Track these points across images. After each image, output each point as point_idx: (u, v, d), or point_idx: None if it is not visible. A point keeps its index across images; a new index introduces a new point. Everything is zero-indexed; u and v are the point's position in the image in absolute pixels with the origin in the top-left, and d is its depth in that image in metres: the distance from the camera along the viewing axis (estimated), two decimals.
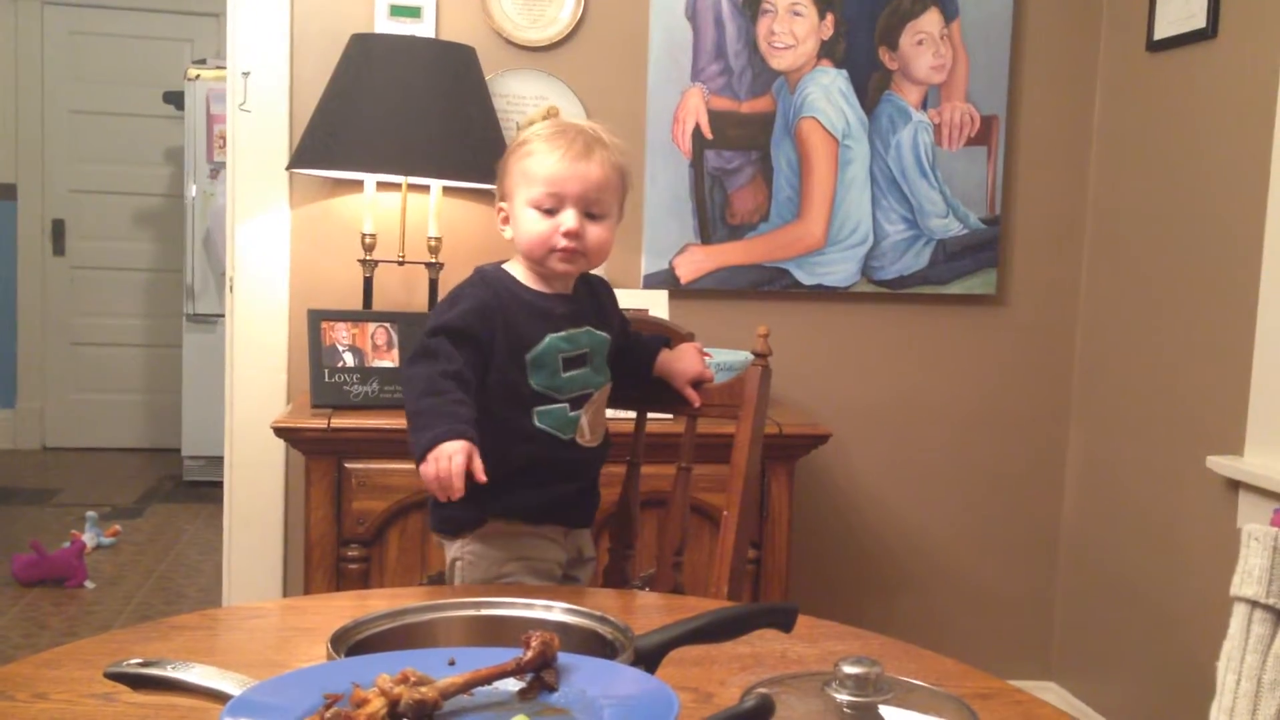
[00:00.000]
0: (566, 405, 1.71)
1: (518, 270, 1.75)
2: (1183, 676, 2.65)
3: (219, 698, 1.04)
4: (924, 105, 2.97)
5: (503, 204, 1.76)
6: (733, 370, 2.43)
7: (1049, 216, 3.08)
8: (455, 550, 1.76)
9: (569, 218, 1.67)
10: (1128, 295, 2.93)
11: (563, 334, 1.71)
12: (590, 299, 1.79)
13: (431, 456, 1.51)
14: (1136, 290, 2.89)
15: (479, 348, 1.65)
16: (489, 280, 1.73)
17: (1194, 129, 2.68)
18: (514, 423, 1.69)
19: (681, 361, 1.87)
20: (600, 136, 1.71)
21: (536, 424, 1.70)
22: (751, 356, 1.87)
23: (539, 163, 1.68)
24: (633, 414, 1.99)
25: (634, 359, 1.87)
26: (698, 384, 1.87)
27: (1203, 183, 2.64)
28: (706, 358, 1.92)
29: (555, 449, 1.72)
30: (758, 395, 1.83)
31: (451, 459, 1.49)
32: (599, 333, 1.76)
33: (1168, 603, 2.73)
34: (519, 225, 1.71)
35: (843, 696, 1.09)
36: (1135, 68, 2.91)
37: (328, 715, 0.84)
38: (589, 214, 1.69)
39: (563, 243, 1.67)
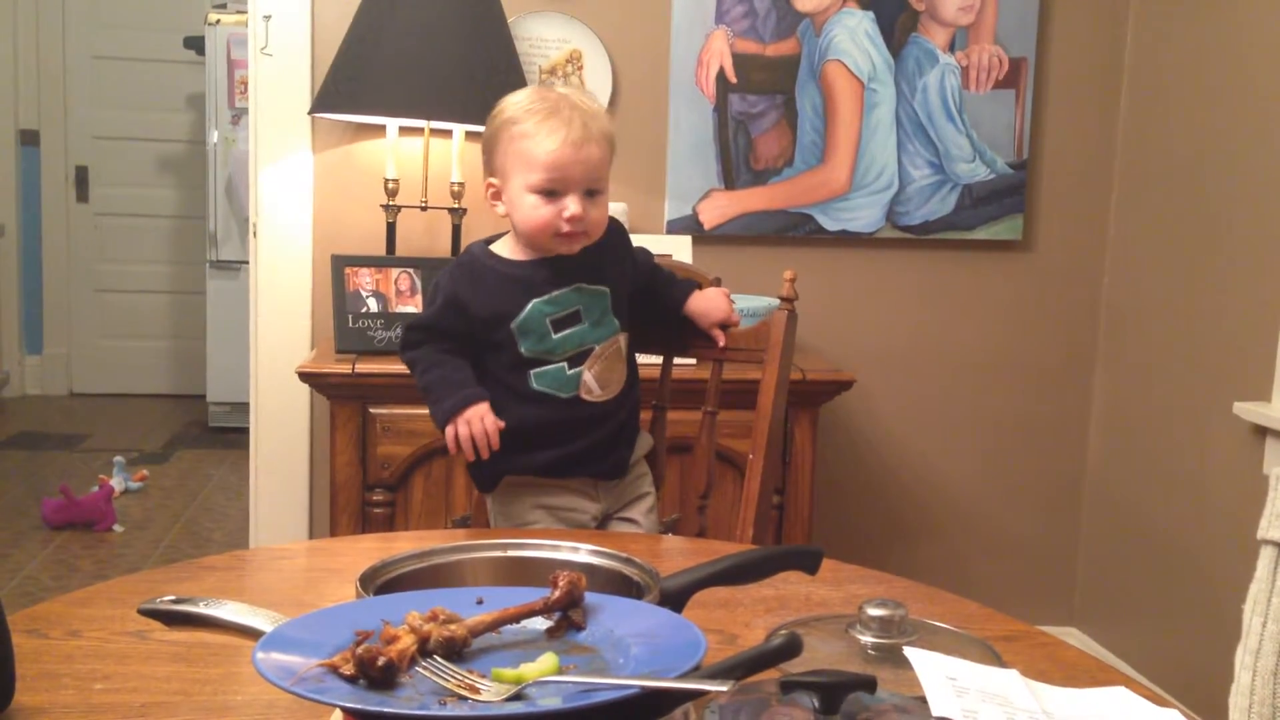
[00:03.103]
0: (564, 364, 1.73)
1: (504, 245, 1.77)
2: (1206, 622, 2.66)
3: (251, 634, 1.06)
4: (951, 47, 2.93)
5: (493, 180, 1.74)
6: (756, 316, 2.42)
7: (1077, 161, 3.05)
8: (489, 502, 1.83)
9: (573, 203, 1.67)
10: (1155, 241, 2.89)
11: (545, 298, 1.71)
12: (590, 252, 1.75)
13: (461, 419, 1.65)
14: (1164, 236, 2.86)
15: (456, 337, 1.73)
16: (466, 264, 1.76)
17: (1227, 71, 2.64)
18: (512, 387, 1.72)
19: (709, 303, 1.88)
20: (590, 108, 1.70)
21: (534, 386, 1.72)
22: (776, 302, 1.87)
23: (538, 146, 1.65)
24: (658, 359, 1.99)
25: (664, 299, 1.87)
26: (724, 328, 1.87)
27: (1234, 128, 2.60)
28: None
29: (557, 409, 1.73)
30: (784, 340, 1.82)
31: (483, 420, 1.66)
32: (592, 287, 1.74)
33: (1192, 549, 2.72)
34: (518, 209, 1.70)
35: (867, 638, 1.09)
36: (1168, 8, 2.86)
37: (359, 651, 0.84)
38: (588, 192, 1.69)
39: (566, 228, 1.68)
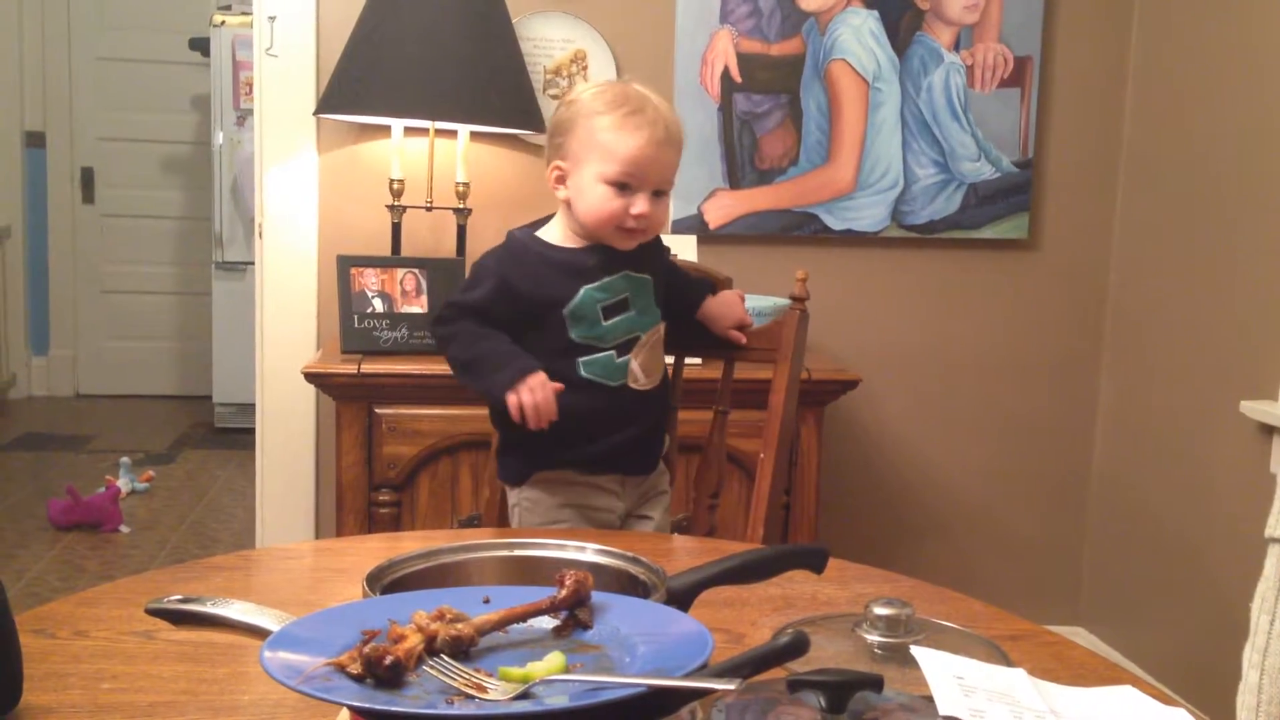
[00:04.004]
0: (613, 352, 1.72)
1: (551, 232, 1.77)
2: (1213, 622, 2.65)
3: (258, 633, 1.06)
4: (956, 46, 2.93)
5: (561, 163, 1.73)
6: (763, 316, 2.42)
7: (1082, 159, 3.04)
8: (514, 497, 1.81)
9: (644, 202, 1.68)
10: (1161, 239, 2.89)
11: (597, 284, 1.71)
12: None
13: (524, 387, 1.64)
14: (1170, 234, 2.85)
15: (500, 322, 1.71)
16: (514, 250, 1.75)
17: (1232, 69, 2.63)
18: (560, 375, 1.69)
19: (723, 307, 1.89)
20: (670, 112, 1.72)
21: (583, 374, 1.72)
22: (786, 302, 1.87)
23: (621, 141, 1.66)
24: (669, 359, 1.99)
25: (680, 300, 1.88)
26: (738, 330, 1.88)
27: (1240, 125, 2.60)
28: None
29: (605, 397, 1.73)
30: (795, 340, 1.82)
31: (545, 387, 1.64)
32: (637, 275, 1.75)
33: (1199, 548, 2.72)
34: (586, 198, 1.70)
35: (873, 637, 1.09)
36: (1173, 5, 2.85)
37: (366, 650, 0.84)
38: (655, 192, 1.70)
39: (632, 224, 1.69)
